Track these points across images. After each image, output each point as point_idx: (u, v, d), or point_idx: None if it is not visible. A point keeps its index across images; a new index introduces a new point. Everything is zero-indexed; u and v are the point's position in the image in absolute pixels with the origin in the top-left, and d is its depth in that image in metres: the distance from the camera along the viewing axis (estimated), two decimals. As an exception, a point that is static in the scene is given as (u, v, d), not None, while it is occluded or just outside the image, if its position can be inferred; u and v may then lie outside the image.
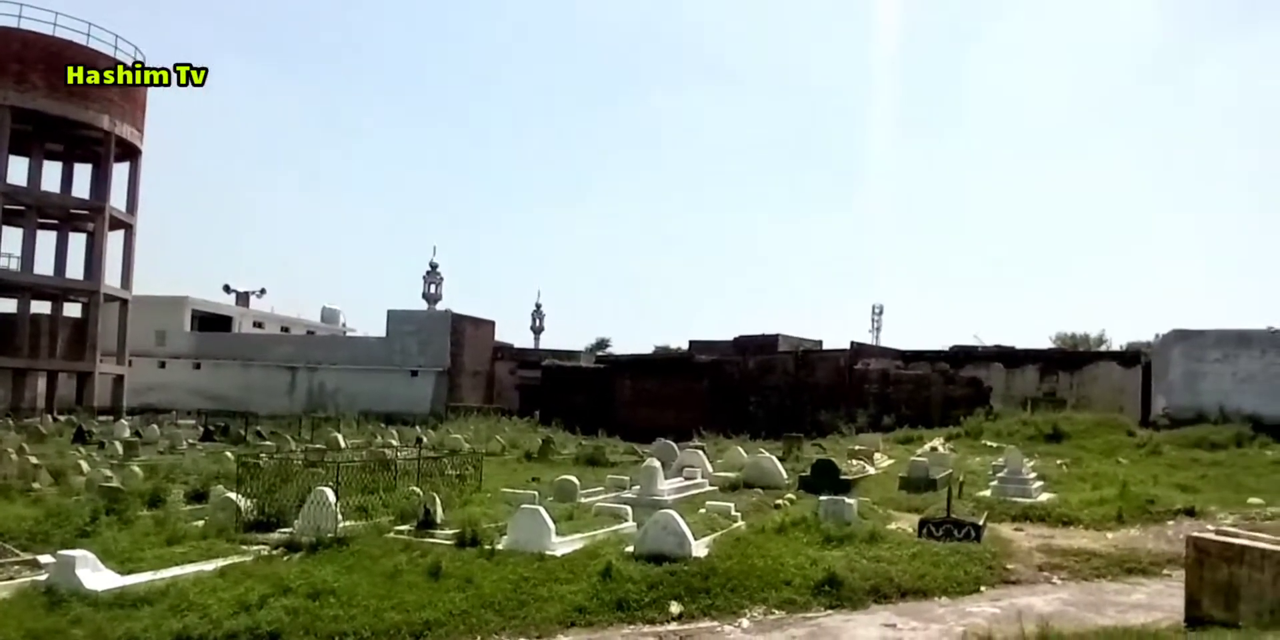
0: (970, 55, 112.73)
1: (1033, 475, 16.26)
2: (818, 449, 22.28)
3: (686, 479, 15.79)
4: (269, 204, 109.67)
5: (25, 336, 38.10)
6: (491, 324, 46.34)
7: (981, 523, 11.26)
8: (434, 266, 55.10)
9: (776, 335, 38.26)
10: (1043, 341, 37.57)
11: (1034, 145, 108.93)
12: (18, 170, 36.55)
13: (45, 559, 8.83)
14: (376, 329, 46.45)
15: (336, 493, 11.39)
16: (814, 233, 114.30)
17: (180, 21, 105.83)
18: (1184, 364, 24.77)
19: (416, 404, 40.54)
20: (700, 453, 18.37)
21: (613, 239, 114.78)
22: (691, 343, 41.77)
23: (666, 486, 14.38)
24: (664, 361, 40.39)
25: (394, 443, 24.22)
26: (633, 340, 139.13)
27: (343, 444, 23.01)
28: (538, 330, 62.94)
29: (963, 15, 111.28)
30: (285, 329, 54.90)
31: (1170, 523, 12.96)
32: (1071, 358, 33.22)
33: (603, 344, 61.01)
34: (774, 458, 17.65)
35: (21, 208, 37.05)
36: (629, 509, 12.16)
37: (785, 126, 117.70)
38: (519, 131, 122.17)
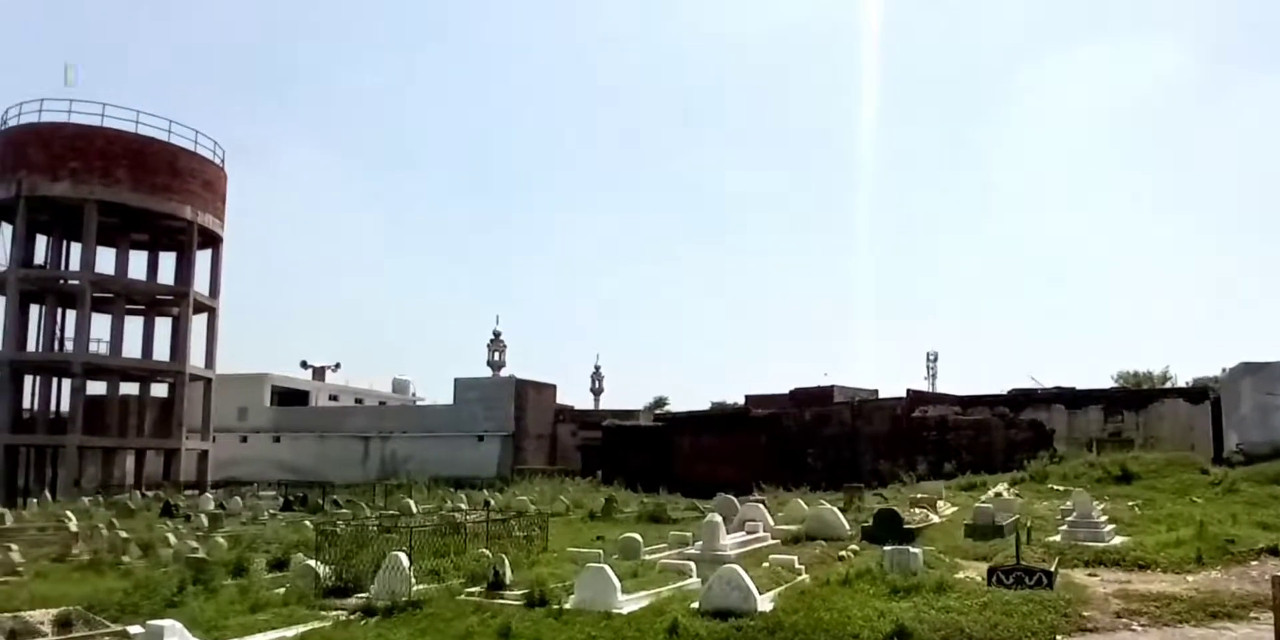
0: (1009, 91, 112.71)
1: (1104, 518, 15.59)
2: (879, 499, 21.71)
3: (748, 533, 15.48)
4: (340, 282, 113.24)
5: (115, 416, 39.46)
6: (553, 388, 46.69)
7: (1053, 569, 10.80)
8: (497, 335, 56.02)
9: (832, 386, 37.77)
10: (1104, 381, 36.42)
11: (1083, 181, 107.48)
12: (106, 260, 38.17)
13: (134, 630, 8.97)
14: (445, 396, 47.14)
15: (410, 557, 11.45)
16: (864, 282, 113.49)
17: (250, 114, 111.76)
18: (1254, 398, 23.73)
19: (484, 468, 40.74)
20: (761, 506, 18.03)
21: (666, 299, 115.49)
22: (747, 397, 41.43)
23: (729, 541, 14.12)
24: (721, 417, 40.05)
25: (463, 506, 24.30)
26: (690, 397, 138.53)
27: (415, 509, 23.17)
28: (597, 392, 63.08)
29: (1006, 45, 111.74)
30: (359, 400, 56.02)
31: (1254, 563, 12.28)
32: (1136, 396, 32.07)
33: (661, 402, 60.91)
34: (835, 509, 17.23)
35: (110, 295, 38.59)
36: (693, 565, 11.97)
37: (835, 175, 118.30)
38: (568, 201, 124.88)
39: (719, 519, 14.56)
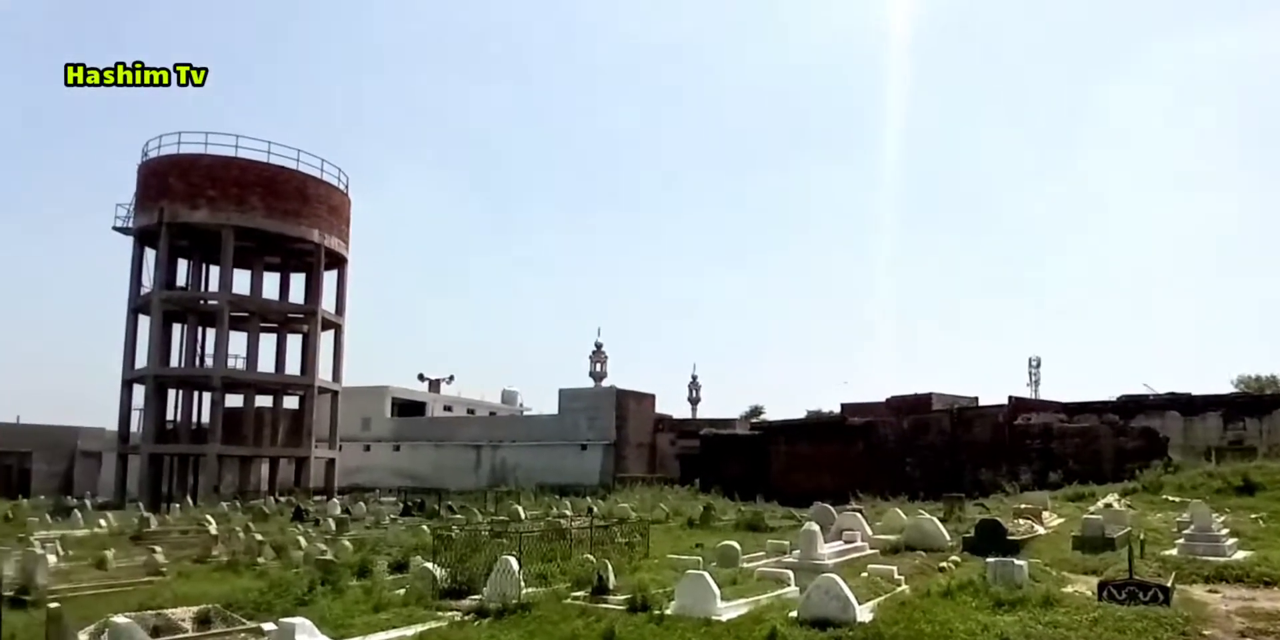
0: (1116, 84, 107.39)
1: (1224, 532, 14.60)
2: (980, 509, 20.89)
3: (846, 542, 15.15)
4: (452, 297, 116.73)
5: (251, 427, 41.29)
6: (652, 397, 46.92)
7: (1169, 584, 10.16)
8: (599, 346, 56.69)
9: (929, 394, 36.59)
10: (1223, 386, 34.04)
11: (1190, 176, 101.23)
12: (241, 281, 40.16)
13: (268, 627, 9.42)
14: (550, 407, 48.00)
15: (519, 561, 11.67)
16: (961, 288, 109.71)
17: (361, 140, 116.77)
18: (1391, 404, 21.77)
19: (587, 476, 41.24)
20: (858, 516, 17.61)
21: (760, 307, 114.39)
22: (843, 406, 40.62)
23: (826, 550, 13.85)
24: (817, 425, 39.36)
25: (568, 513, 24.62)
26: (786, 405, 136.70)
27: (523, 515, 23.62)
28: (694, 401, 62.79)
29: (1116, 41, 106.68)
30: (471, 411, 57.49)
31: (1392, 581, 11.24)
32: (1259, 402, 29.84)
33: (757, 411, 60.20)
34: (935, 519, 16.67)
35: (246, 314, 40.57)
36: (790, 573, 11.78)
37: (924, 179, 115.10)
38: (662, 211, 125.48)
39: (816, 528, 14.29)
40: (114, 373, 39.40)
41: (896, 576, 11.54)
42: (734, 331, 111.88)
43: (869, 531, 16.64)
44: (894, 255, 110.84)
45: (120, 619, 8.41)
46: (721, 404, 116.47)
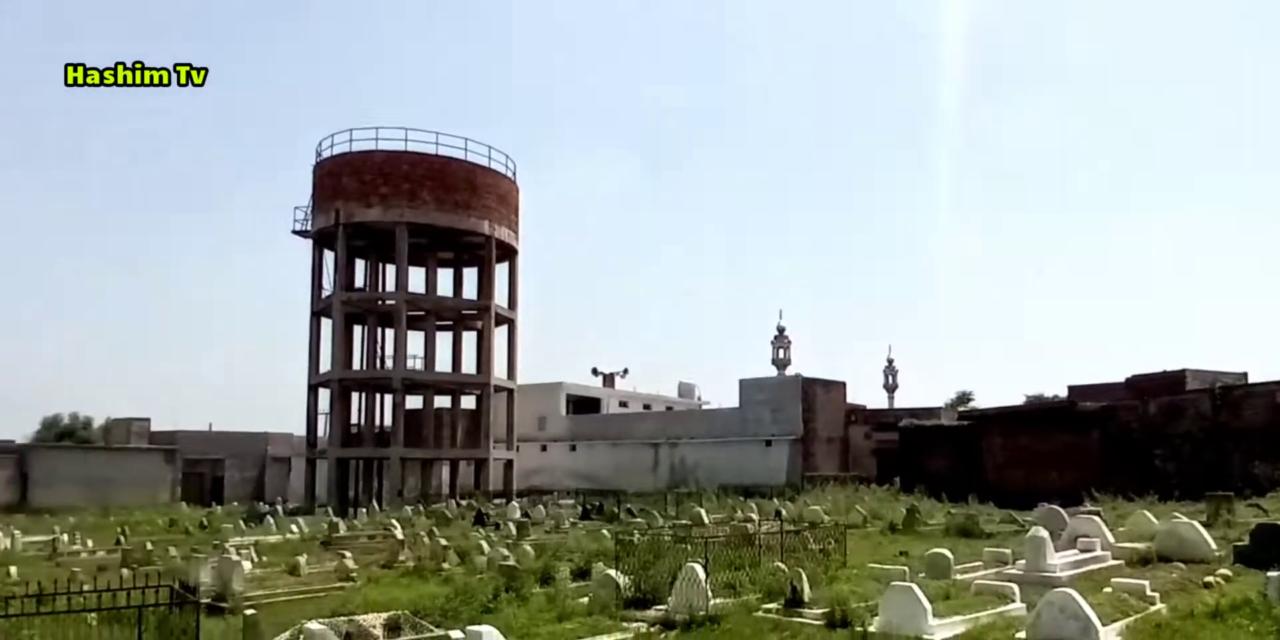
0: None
1: None
2: (1256, 511, 18.94)
3: (1082, 551, 14.17)
4: (622, 285, 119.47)
5: (431, 429, 43.75)
6: (842, 385, 45.89)
7: None
8: (781, 330, 56.23)
9: (1183, 370, 33.46)
10: None
11: None
12: (416, 280, 42.57)
13: (455, 634, 9.96)
14: (730, 398, 48.06)
15: (705, 569, 11.73)
16: (1216, 241, 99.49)
17: (526, 123, 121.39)
18: None
19: (772, 475, 40.98)
20: (1096, 519, 16.41)
21: (962, 280, 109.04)
22: (1071, 388, 38.06)
23: (1058, 560, 13.02)
24: (1040, 412, 37.07)
25: (754, 516, 24.58)
26: (1000, 391, 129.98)
27: (706, 519, 23.79)
28: (891, 388, 60.99)
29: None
30: (647, 406, 58.63)
31: None
32: None
33: (965, 398, 57.61)
34: (1195, 524, 15.25)
35: (422, 312, 42.91)
36: (1015, 587, 11.16)
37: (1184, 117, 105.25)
38: (846, 186, 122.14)
39: (1044, 534, 13.49)
40: (299, 378, 42.75)
41: (1149, 593, 10.67)
42: (934, 309, 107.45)
43: (1110, 538, 15.51)
44: (1129, 211, 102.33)
45: (313, 625, 9.11)
46: (923, 391, 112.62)
